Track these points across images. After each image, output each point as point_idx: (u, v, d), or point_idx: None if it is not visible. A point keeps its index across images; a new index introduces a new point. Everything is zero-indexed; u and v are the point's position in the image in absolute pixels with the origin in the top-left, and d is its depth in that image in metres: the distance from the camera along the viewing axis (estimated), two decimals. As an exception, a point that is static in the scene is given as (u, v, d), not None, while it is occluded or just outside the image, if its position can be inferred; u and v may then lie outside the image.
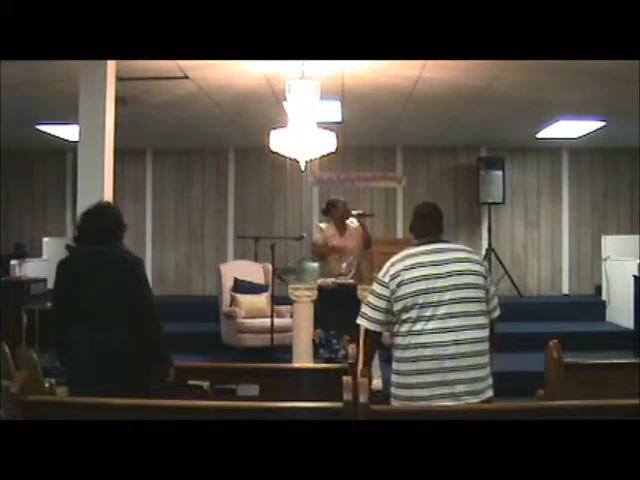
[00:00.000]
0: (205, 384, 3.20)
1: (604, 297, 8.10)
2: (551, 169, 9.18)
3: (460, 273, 2.82)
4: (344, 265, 5.59)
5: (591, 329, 7.29)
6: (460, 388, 2.74)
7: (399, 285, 2.82)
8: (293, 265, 7.05)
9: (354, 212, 5.67)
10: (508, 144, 8.79)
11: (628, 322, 7.02)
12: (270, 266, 6.27)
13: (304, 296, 5.39)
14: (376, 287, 2.92)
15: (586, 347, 6.09)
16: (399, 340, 2.84)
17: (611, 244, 8.18)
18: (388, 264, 2.92)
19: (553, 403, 2.74)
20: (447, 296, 2.78)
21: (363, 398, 2.25)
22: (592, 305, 8.16)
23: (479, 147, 8.98)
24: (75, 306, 2.96)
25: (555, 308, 8.15)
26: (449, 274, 2.81)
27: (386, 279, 2.86)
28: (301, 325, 5.41)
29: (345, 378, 2.42)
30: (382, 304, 2.87)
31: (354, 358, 3.24)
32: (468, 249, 3.00)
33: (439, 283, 2.80)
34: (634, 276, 6.78)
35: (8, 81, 4.96)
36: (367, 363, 3.07)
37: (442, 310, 2.77)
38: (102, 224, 3.01)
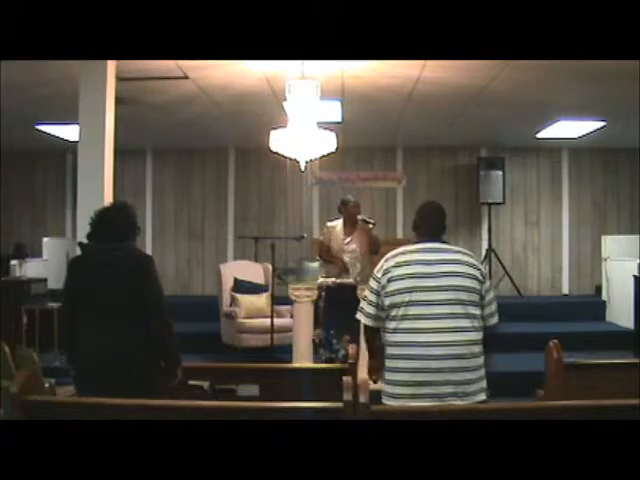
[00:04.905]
0: (205, 384, 3.20)
1: (604, 297, 8.10)
2: (551, 169, 9.18)
3: (453, 274, 2.79)
4: (347, 260, 5.61)
5: (591, 329, 7.29)
6: (446, 389, 2.71)
7: (389, 281, 2.83)
8: (293, 265, 7.04)
9: (359, 217, 5.67)
10: (508, 144, 8.79)
11: (628, 322, 7.02)
12: (270, 266, 6.28)
13: (304, 296, 5.40)
14: (371, 282, 2.94)
15: (586, 347, 6.09)
16: (387, 337, 2.86)
17: (611, 244, 8.17)
18: (383, 260, 2.94)
19: (553, 403, 2.73)
20: (437, 296, 2.76)
21: (363, 398, 2.24)
22: (592, 305, 8.15)
23: (479, 147, 8.98)
24: (85, 303, 2.94)
25: (555, 308, 8.15)
26: (441, 274, 2.78)
27: (379, 274, 2.89)
28: (301, 325, 5.41)
29: (345, 378, 2.41)
30: (374, 298, 2.90)
31: (354, 358, 3.24)
32: (466, 252, 2.92)
33: (429, 282, 2.78)
34: (634, 276, 6.77)
35: (8, 81, 4.96)
36: (372, 357, 3.08)
37: (430, 310, 2.75)
38: (116, 224, 3.01)
